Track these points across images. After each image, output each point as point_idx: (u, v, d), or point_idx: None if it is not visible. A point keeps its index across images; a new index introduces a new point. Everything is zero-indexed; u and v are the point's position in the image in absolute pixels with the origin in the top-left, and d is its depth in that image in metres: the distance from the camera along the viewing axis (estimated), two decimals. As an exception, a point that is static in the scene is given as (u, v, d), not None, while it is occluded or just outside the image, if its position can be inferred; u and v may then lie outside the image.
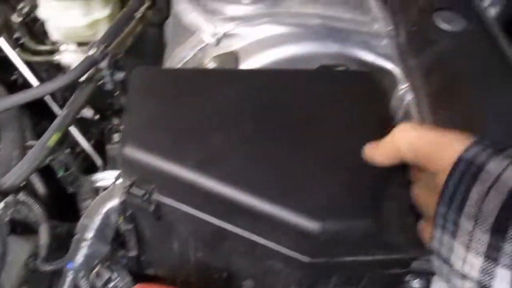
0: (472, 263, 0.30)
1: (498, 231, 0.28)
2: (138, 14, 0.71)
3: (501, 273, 0.28)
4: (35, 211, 0.72)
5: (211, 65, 0.63)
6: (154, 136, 0.48)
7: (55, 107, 0.95)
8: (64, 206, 0.84)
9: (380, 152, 0.40)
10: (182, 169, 0.46)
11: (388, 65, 0.62)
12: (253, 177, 0.45)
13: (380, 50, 0.63)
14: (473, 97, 0.50)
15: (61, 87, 0.59)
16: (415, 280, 0.54)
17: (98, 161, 0.99)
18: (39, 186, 0.78)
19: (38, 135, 0.75)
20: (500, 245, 0.28)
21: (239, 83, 0.55)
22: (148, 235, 0.58)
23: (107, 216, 0.56)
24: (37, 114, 0.92)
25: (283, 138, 0.48)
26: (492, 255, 0.28)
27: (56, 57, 0.81)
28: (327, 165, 0.47)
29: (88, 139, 1.02)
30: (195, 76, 0.55)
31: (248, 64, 0.62)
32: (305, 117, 0.51)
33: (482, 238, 0.29)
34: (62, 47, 0.81)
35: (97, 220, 0.56)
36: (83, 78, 0.64)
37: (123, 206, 0.52)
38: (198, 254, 0.55)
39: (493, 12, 0.74)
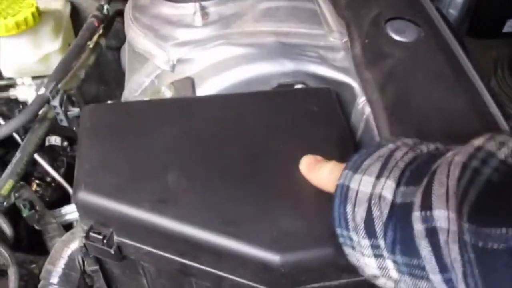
0: (371, 265, 0.36)
1: (369, 234, 0.35)
2: (90, 44, 0.71)
3: (389, 265, 0.34)
4: (3, 255, 0.72)
5: (167, 92, 0.64)
6: (107, 178, 0.48)
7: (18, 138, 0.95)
8: (37, 240, 0.84)
9: (310, 179, 0.46)
10: (138, 210, 0.46)
11: (346, 79, 0.63)
12: (210, 214, 0.45)
13: (337, 63, 0.64)
14: (426, 109, 0.51)
15: (11, 132, 0.59)
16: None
17: (70, 190, 0.99)
18: (5, 227, 0.77)
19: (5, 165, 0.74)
20: (377, 244, 0.34)
21: (194, 112, 0.55)
22: (116, 273, 0.58)
23: (71, 259, 0.56)
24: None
25: (239, 169, 0.49)
26: (378, 253, 0.35)
27: (12, 92, 0.81)
28: (285, 192, 0.47)
29: (58, 168, 1.02)
30: (147, 109, 0.55)
31: (204, 89, 0.63)
32: (262, 143, 0.52)
33: (365, 243, 0.35)
34: (18, 81, 0.81)
35: (61, 264, 0.56)
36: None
37: (85, 250, 0.52)
38: (167, 290, 0.55)
39: (454, 14, 0.76)
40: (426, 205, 0.30)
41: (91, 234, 0.48)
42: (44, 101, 0.61)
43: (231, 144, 0.52)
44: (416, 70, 0.55)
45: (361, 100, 0.61)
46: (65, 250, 0.57)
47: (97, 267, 0.56)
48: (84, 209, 0.48)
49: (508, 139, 0.29)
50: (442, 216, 0.29)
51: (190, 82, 0.63)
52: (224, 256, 0.45)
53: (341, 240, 0.38)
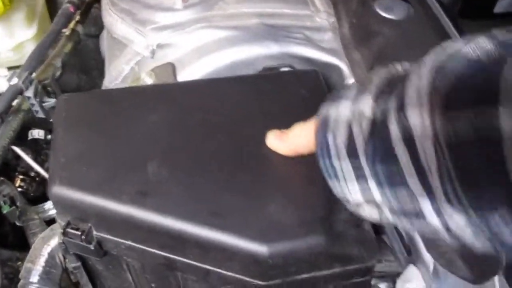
0: (354, 190, 0.36)
1: (352, 156, 0.34)
2: (66, 31, 0.68)
3: (371, 184, 0.34)
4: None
5: (147, 79, 0.61)
6: (83, 171, 0.45)
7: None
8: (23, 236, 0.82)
9: (281, 150, 0.46)
10: (117, 204, 0.44)
11: (334, 60, 0.60)
12: (193, 205, 0.43)
13: (325, 44, 0.62)
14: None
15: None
16: (382, 284, 0.54)
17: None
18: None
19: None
20: (358, 165, 0.34)
21: (175, 99, 0.53)
22: (99, 269, 0.56)
23: (51, 256, 0.54)
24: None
25: (224, 157, 0.47)
26: (359, 174, 0.34)
27: (-14, 84, 0.77)
28: (272, 180, 0.45)
29: (42, 162, 0.99)
30: (126, 97, 0.52)
31: (186, 74, 0.60)
32: (247, 130, 0.50)
33: (347, 166, 0.35)
34: (-8, 72, 0.77)
35: (41, 262, 0.54)
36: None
37: (64, 246, 0.50)
38: (152, 285, 0.53)
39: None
40: (400, 107, 0.30)
41: (69, 230, 0.46)
42: (16, 92, 0.58)
43: (215, 131, 0.49)
44: (407, 48, 0.53)
45: (350, 82, 0.59)
46: (45, 247, 0.54)
47: (79, 263, 0.53)
48: (60, 204, 0.46)
49: (475, 37, 0.29)
50: (416, 115, 0.29)
51: (171, 68, 0.61)
52: (210, 249, 0.43)
53: (324, 172, 0.38)
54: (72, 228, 0.46)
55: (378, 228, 0.51)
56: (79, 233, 0.45)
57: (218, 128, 0.50)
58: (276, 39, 0.61)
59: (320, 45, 0.61)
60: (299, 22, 0.63)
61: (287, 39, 0.61)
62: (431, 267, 0.44)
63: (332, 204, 0.44)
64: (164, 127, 0.49)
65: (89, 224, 0.46)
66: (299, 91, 0.54)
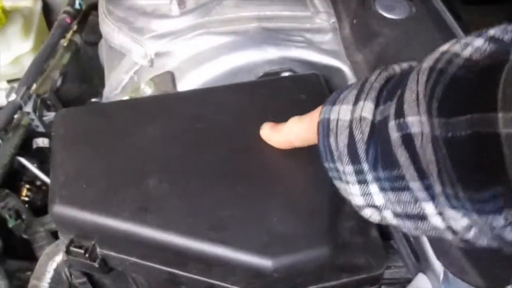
0: (356, 193, 0.36)
1: (354, 160, 0.35)
2: (64, 42, 0.68)
3: (372, 189, 0.35)
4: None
5: (147, 89, 0.61)
6: (84, 189, 0.46)
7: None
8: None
9: (275, 140, 0.47)
10: (118, 221, 0.44)
11: (336, 62, 0.60)
12: (196, 220, 0.43)
13: (325, 46, 0.61)
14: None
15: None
16: (391, 290, 0.53)
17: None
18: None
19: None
20: (360, 169, 0.35)
21: (175, 110, 0.52)
22: (106, 284, 0.56)
23: (57, 272, 0.55)
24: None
25: (225, 169, 0.47)
26: (361, 178, 0.35)
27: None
28: (274, 192, 0.45)
29: (48, 170, 0.99)
30: (124, 110, 0.53)
31: (186, 83, 0.60)
32: (248, 138, 0.49)
33: (348, 169, 0.36)
34: (-6, 86, 0.78)
35: (47, 279, 0.54)
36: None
37: (69, 263, 0.50)
38: (159, 299, 0.53)
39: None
40: (400, 113, 0.31)
41: (72, 248, 0.46)
42: (15, 108, 0.58)
43: (215, 141, 0.49)
44: (409, 49, 0.52)
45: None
46: (50, 263, 0.55)
47: (84, 279, 0.54)
48: (62, 223, 0.46)
49: (473, 39, 0.30)
50: (415, 121, 0.30)
51: (170, 76, 0.60)
52: (213, 263, 0.43)
53: (330, 174, 0.39)
54: (75, 247, 0.46)
55: (385, 234, 0.51)
56: (82, 251, 0.45)
57: (217, 138, 0.49)
58: (275, 43, 0.60)
59: (321, 47, 0.61)
60: (298, 24, 0.62)
61: (286, 43, 0.60)
62: (442, 276, 0.43)
63: (337, 212, 0.44)
64: (164, 140, 0.49)
65: (93, 242, 0.46)
66: (299, 96, 0.54)
